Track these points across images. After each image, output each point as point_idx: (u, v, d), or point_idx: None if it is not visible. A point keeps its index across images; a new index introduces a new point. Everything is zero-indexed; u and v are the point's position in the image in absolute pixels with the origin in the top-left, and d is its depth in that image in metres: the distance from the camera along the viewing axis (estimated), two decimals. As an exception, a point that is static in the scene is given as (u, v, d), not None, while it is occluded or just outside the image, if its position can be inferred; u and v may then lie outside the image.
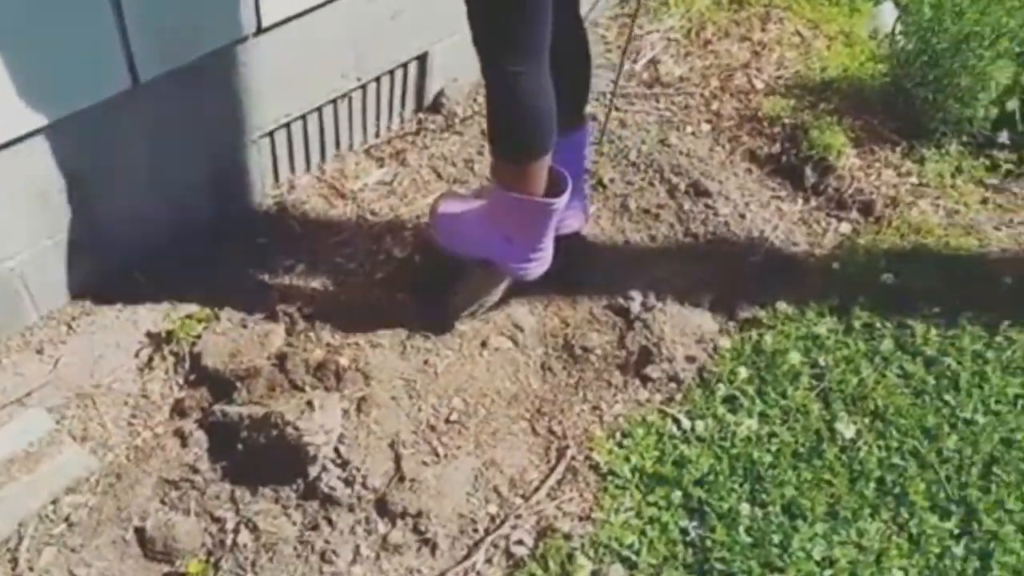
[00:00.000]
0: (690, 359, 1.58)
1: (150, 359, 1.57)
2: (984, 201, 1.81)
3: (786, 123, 1.87)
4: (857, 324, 1.61)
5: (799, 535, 1.38)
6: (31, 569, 1.30)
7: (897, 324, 1.62)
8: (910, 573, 1.34)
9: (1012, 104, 1.75)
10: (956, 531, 1.40)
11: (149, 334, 1.58)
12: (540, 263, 1.48)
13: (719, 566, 1.33)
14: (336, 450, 1.45)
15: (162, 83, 1.41)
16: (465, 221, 1.52)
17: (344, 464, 1.44)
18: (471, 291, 1.59)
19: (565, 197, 1.38)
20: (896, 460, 1.46)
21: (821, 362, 1.56)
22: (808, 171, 1.79)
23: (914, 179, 1.81)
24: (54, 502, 1.38)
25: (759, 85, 1.93)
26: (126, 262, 1.60)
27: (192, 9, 1.38)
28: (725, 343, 1.58)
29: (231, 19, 1.44)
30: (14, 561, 1.31)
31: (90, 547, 1.35)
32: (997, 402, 1.54)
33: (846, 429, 1.48)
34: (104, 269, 1.58)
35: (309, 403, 1.44)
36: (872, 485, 1.43)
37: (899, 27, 1.82)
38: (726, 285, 1.67)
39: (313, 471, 1.43)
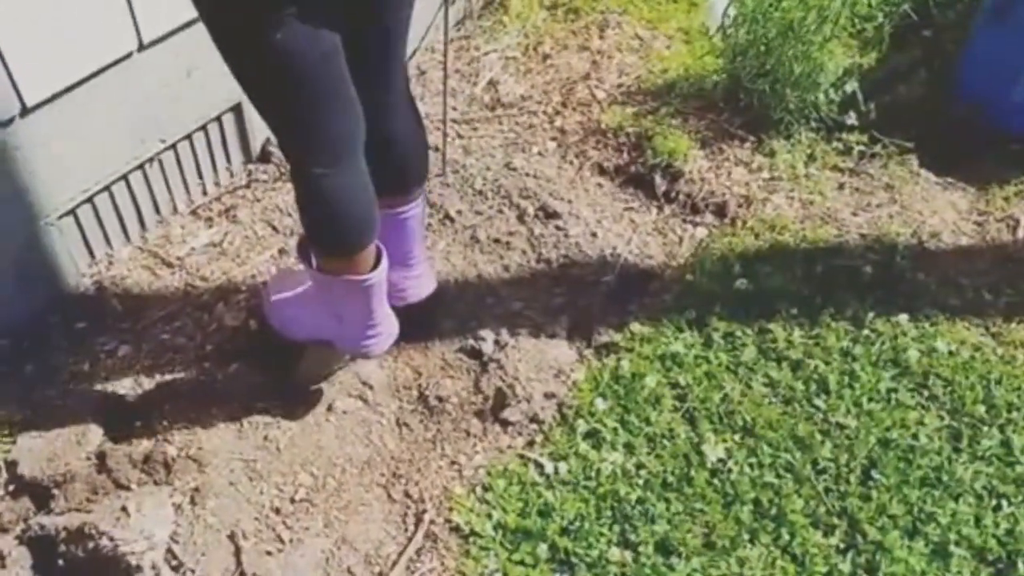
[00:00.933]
0: (549, 396, 1.48)
1: (-38, 474, 1.42)
2: (840, 187, 1.76)
3: (630, 132, 1.80)
4: (716, 335, 1.53)
5: (674, 574, 1.28)
6: None
7: (758, 330, 1.55)
8: (795, 598, 1.26)
9: (851, 85, 1.71)
10: (841, 546, 1.32)
11: (-41, 446, 1.43)
12: (381, 338, 1.36)
13: (588, 623, 1.22)
14: (170, 551, 1.32)
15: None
16: (297, 305, 1.41)
17: (178, 566, 1.30)
18: (315, 370, 1.47)
19: (380, 272, 1.27)
20: (770, 478, 1.37)
21: (682, 381, 1.47)
22: (658, 179, 1.72)
23: (766, 174, 1.75)
24: None
25: (601, 95, 1.85)
26: (-76, 370, 1.45)
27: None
28: (582, 373, 1.48)
29: (-15, 106, 1.31)
30: None
31: None
32: (870, 400, 1.47)
33: (714, 450, 1.39)
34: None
35: (124, 508, 1.30)
36: (748, 508, 1.34)
37: (728, 19, 1.77)
38: (581, 311, 1.58)
39: (142, 581, 1.29)
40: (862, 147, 1.81)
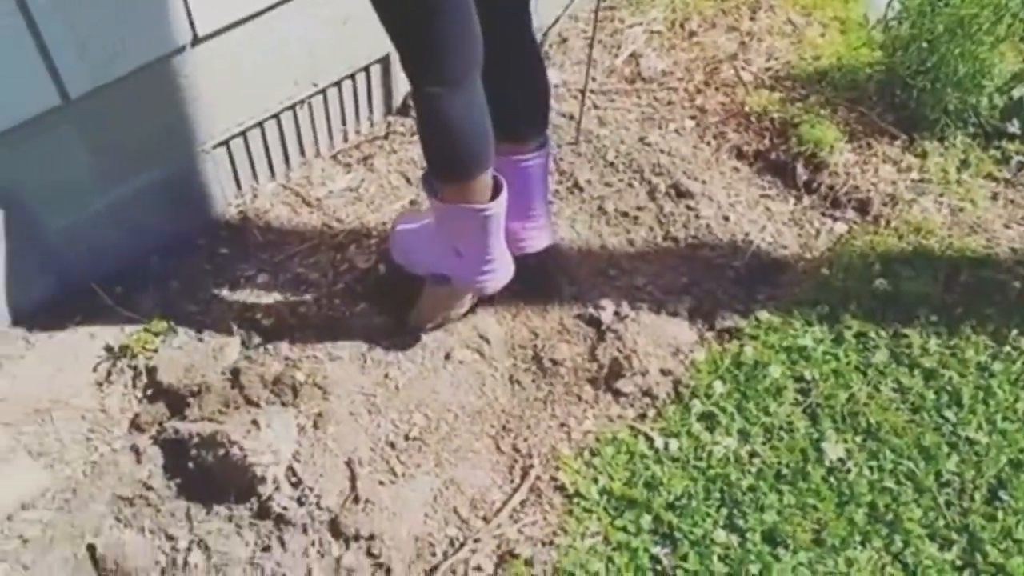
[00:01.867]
0: (665, 372, 1.47)
1: (108, 373, 1.53)
2: (994, 197, 1.66)
3: (775, 117, 1.75)
4: (848, 334, 1.49)
5: (780, 565, 1.27)
6: (-21, 586, 1.27)
7: (893, 334, 1.49)
8: (904, 608, 1.23)
9: (1019, 91, 1.61)
10: (958, 563, 1.27)
11: (108, 348, 1.54)
12: (495, 274, 1.40)
13: (689, 598, 1.23)
14: (291, 468, 1.40)
15: (96, 98, 1.37)
16: (419, 237, 1.46)
17: (297, 483, 1.38)
18: (432, 307, 1.52)
19: (498, 203, 1.30)
20: (889, 483, 1.33)
21: (807, 376, 1.44)
22: (799, 168, 1.67)
23: (915, 175, 1.67)
24: (9, 518, 1.35)
25: (747, 77, 1.81)
26: (84, 277, 1.56)
27: (118, 23, 1.33)
28: (702, 355, 1.47)
29: (162, 31, 1.39)
30: (-36, 577, 1.28)
31: (42, 564, 1.31)
32: (1004, 419, 1.40)
33: (834, 449, 1.36)
34: (62, 284, 1.54)
35: (255, 421, 1.38)
36: (863, 510, 1.31)
37: (892, 11, 1.68)
38: (706, 292, 1.56)
39: (264, 490, 1.36)
40: (1022, 158, 1.70)
